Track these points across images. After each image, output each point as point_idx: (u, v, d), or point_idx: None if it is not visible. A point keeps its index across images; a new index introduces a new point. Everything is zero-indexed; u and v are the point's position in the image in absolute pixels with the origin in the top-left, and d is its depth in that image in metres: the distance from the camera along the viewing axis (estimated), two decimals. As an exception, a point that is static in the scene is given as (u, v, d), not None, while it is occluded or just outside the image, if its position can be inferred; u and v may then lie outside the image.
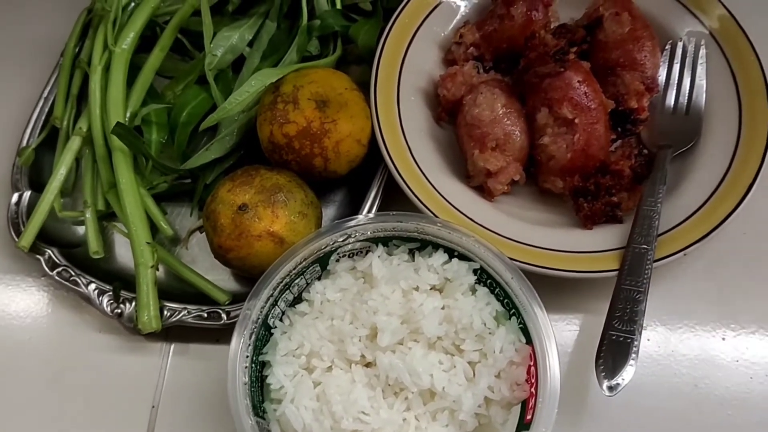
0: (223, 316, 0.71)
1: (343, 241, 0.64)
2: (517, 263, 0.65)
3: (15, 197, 0.81)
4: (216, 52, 0.81)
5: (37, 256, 0.76)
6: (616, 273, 0.67)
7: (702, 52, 0.79)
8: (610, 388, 0.60)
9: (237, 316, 0.62)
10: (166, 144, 0.81)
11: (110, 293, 0.73)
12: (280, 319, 0.64)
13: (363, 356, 0.61)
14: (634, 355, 0.61)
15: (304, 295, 0.65)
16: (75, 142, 0.80)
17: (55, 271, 0.75)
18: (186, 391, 0.72)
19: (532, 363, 0.58)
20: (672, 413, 0.68)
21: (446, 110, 0.80)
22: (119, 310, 0.72)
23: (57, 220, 0.80)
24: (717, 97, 0.76)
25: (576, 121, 0.70)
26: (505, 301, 0.62)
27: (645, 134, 0.78)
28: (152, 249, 0.72)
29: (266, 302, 0.62)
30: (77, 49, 0.88)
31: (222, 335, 0.72)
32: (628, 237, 0.69)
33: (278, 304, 0.63)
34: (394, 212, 0.65)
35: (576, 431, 0.67)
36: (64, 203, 0.81)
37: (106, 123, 0.77)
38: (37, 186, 0.81)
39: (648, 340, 0.71)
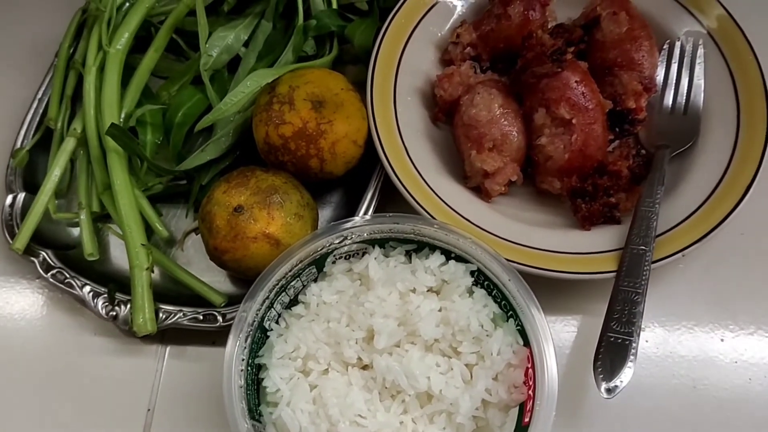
0: (219, 318, 0.70)
1: (339, 242, 0.64)
2: (515, 265, 0.65)
3: (9, 199, 0.80)
4: (211, 52, 0.81)
5: (32, 258, 0.76)
6: (614, 274, 0.66)
7: (700, 51, 0.78)
8: (608, 391, 0.60)
9: (233, 318, 0.62)
10: (161, 145, 0.81)
11: (105, 295, 0.73)
12: (276, 322, 0.63)
13: (360, 359, 0.60)
14: (632, 357, 0.61)
15: (300, 297, 0.64)
16: (69, 144, 0.80)
17: (49, 274, 0.75)
18: (182, 394, 0.71)
19: (529, 365, 0.58)
20: (670, 415, 0.67)
21: (443, 110, 0.80)
22: (114, 313, 0.72)
23: (51, 221, 0.79)
24: (715, 97, 0.76)
25: (573, 121, 0.70)
26: (503, 302, 0.61)
27: (643, 134, 0.78)
28: (147, 251, 0.72)
29: (262, 304, 0.61)
30: (72, 50, 0.88)
31: (218, 337, 0.72)
32: (626, 238, 0.69)
33: (274, 306, 0.63)
34: (391, 214, 0.64)
35: (574, 433, 0.67)
36: (58, 205, 0.80)
37: (101, 124, 0.77)
38: (32, 187, 0.81)
39: (646, 341, 0.71)
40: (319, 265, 0.65)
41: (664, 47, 0.80)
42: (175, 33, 0.84)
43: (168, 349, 0.74)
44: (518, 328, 0.60)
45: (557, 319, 0.72)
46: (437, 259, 0.63)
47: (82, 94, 0.80)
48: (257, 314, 0.61)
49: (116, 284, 0.73)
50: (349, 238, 0.64)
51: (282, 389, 0.59)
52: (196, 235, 0.77)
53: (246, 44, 0.83)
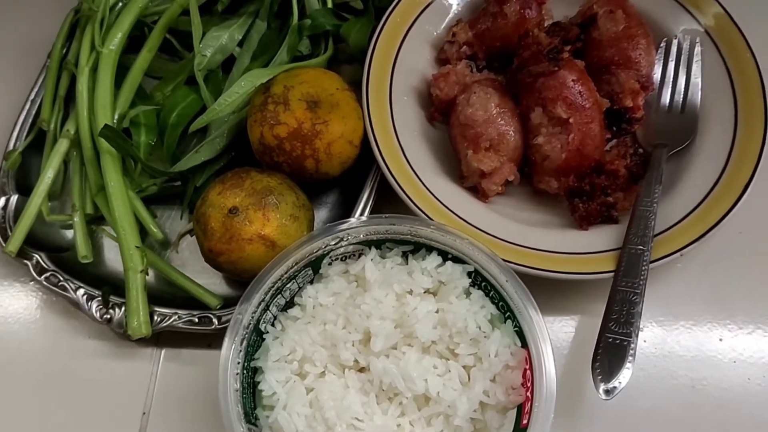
0: (215, 320, 0.70)
1: (335, 244, 0.63)
2: (512, 265, 0.65)
3: (2, 201, 0.80)
4: (205, 52, 0.80)
5: (25, 261, 0.75)
6: (612, 274, 0.66)
7: (697, 49, 0.78)
8: (607, 392, 0.59)
9: (228, 320, 0.62)
10: (155, 146, 0.80)
11: (99, 298, 0.72)
12: (272, 324, 0.63)
13: (356, 361, 0.60)
14: (630, 358, 0.60)
15: (296, 299, 0.64)
16: (62, 145, 0.79)
17: (43, 276, 0.74)
18: (177, 398, 0.71)
19: (527, 366, 0.58)
20: (669, 415, 0.67)
21: (439, 110, 0.79)
22: (108, 316, 0.72)
23: (45, 224, 0.79)
24: (712, 95, 0.76)
25: (570, 120, 0.70)
26: (500, 303, 0.61)
27: (640, 133, 0.77)
28: (142, 253, 0.71)
29: (258, 307, 0.61)
30: (64, 50, 0.87)
31: (214, 340, 0.71)
32: (624, 237, 0.68)
33: (270, 308, 0.62)
34: (387, 214, 0.64)
35: (573, 434, 0.67)
36: (51, 207, 0.80)
37: (94, 125, 0.76)
38: (25, 190, 0.80)
39: (644, 341, 0.70)
40: (315, 266, 0.64)
41: (661, 45, 0.80)
42: (169, 33, 0.84)
43: (163, 352, 0.73)
44: (516, 329, 0.59)
45: (555, 319, 0.72)
46: (434, 260, 0.63)
47: (75, 95, 0.79)
48: (253, 317, 0.60)
49: (110, 287, 0.73)
50: (345, 239, 0.63)
51: (278, 392, 0.58)
52: (191, 236, 0.76)
53: (240, 44, 0.83)
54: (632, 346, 0.61)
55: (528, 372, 0.57)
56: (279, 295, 0.63)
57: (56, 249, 0.78)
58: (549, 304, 0.68)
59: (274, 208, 0.67)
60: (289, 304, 0.64)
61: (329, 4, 0.82)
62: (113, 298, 0.72)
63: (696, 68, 0.78)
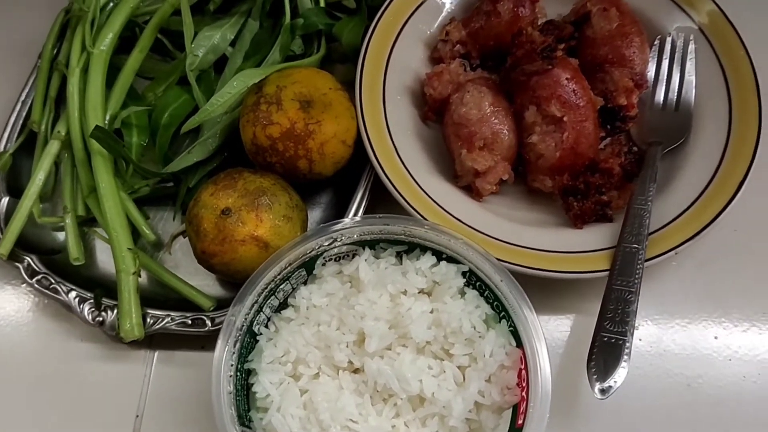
0: (208, 322, 0.70)
1: (329, 244, 0.63)
2: (507, 264, 0.64)
3: (-7, 203, 0.79)
4: (197, 52, 0.80)
5: (16, 264, 0.74)
6: (607, 273, 0.66)
7: (691, 47, 0.78)
8: (602, 391, 0.59)
9: (222, 322, 0.61)
10: (147, 147, 0.80)
11: (91, 301, 0.72)
12: (266, 326, 0.63)
13: (350, 362, 0.60)
14: (626, 357, 0.60)
15: (290, 300, 0.64)
16: (53, 146, 0.79)
17: (34, 279, 0.73)
18: (171, 400, 0.70)
19: (522, 366, 0.57)
20: (664, 413, 0.67)
21: (433, 109, 0.79)
22: (101, 318, 0.71)
23: (36, 226, 0.78)
24: (707, 92, 0.76)
25: (564, 119, 0.70)
26: (495, 303, 0.61)
27: (634, 131, 0.77)
28: (134, 255, 0.71)
29: (251, 308, 0.60)
30: (55, 51, 0.87)
31: (207, 342, 0.71)
32: (619, 236, 0.68)
33: (263, 310, 0.62)
34: (381, 214, 0.64)
35: (568, 434, 0.66)
36: (43, 209, 0.79)
37: (85, 126, 0.76)
38: (15, 192, 0.79)
39: (639, 339, 0.70)
40: (308, 267, 0.64)
41: (655, 43, 0.80)
42: (160, 33, 0.83)
43: (156, 354, 0.73)
44: (511, 329, 0.59)
45: (550, 319, 0.72)
46: (428, 260, 0.63)
47: (66, 96, 0.79)
48: (246, 318, 0.60)
49: (103, 289, 0.72)
50: (339, 239, 0.63)
51: (272, 394, 0.58)
52: (184, 238, 0.75)
53: (232, 44, 0.83)
54: (627, 344, 0.61)
55: (523, 372, 0.57)
56: (272, 297, 0.63)
57: (48, 251, 0.77)
58: (544, 303, 0.68)
59: (267, 208, 0.67)
60: (283, 305, 0.64)
61: (322, 4, 0.82)
62: (105, 301, 0.71)
63: (690, 66, 0.77)
